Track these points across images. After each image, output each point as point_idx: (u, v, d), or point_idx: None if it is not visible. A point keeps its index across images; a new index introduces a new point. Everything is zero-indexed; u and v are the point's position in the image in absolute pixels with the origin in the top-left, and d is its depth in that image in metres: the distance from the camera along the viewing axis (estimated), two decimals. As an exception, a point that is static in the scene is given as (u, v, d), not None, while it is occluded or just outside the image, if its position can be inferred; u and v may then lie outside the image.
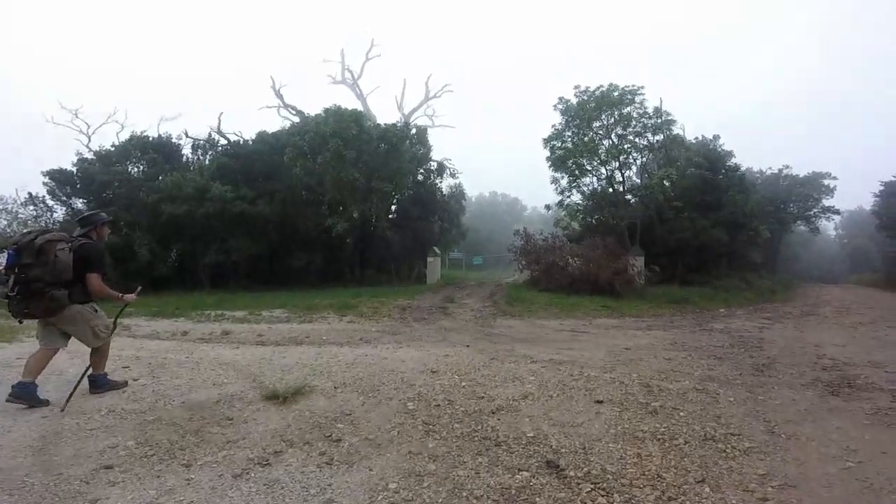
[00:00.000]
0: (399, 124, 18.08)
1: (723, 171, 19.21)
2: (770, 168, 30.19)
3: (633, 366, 5.67)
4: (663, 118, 18.65)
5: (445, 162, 22.34)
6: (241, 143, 20.23)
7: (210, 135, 22.13)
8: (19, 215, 20.79)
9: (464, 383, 4.69)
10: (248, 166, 18.96)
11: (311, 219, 17.36)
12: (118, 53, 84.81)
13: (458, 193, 24.10)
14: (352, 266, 20.21)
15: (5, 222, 24.64)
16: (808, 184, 30.73)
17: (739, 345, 7.57)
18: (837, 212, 30.78)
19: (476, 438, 3.44)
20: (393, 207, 22.12)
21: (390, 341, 7.66)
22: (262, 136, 19.86)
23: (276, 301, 13.59)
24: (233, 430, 3.59)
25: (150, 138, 20.56)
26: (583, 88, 19.06)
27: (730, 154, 20.10)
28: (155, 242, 17.40)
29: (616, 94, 18.54)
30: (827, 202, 30.64)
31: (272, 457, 3.17)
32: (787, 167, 29.96)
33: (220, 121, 24.30)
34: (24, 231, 3.88)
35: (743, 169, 19.90)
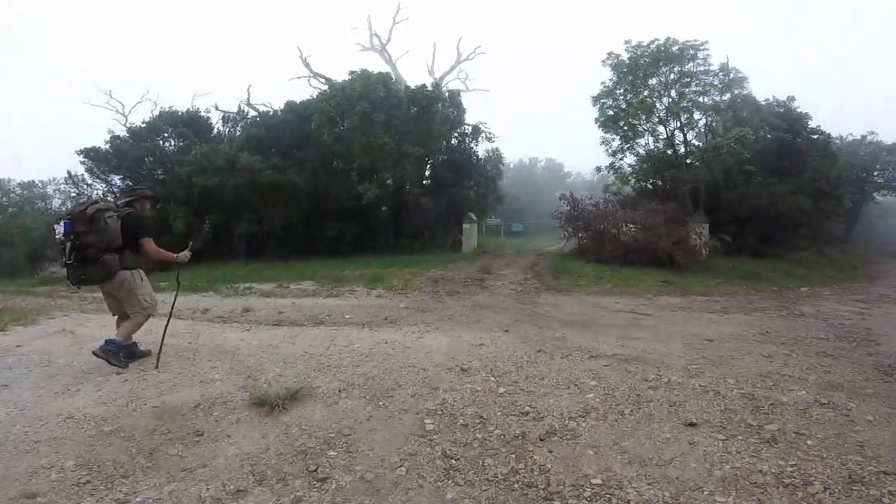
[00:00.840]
0: (429, 86, 16.57)
1: (803, 133, 16.43)
2: (851, 134, 26.10)
3: (725, 366, 4.38)
4: (732, 75, 16.04)
5: (481, 125, 20.72)
6: (270, 113, 19.50)
7: (239, 107, 21.55)
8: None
9: (501, 389, 3.64)
10: (278, 136, 18.25)
11: (343, 187, 16.51)
12: (149, 35, 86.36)
13: (495, 157, 22.42)
14: (386, 234, 19.40)
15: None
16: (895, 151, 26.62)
17: (846, 337, 6.01)
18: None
19: (517, 486, 2.40)
20: (427, 173, 20.93)
21: (417, 322, 6.72)
22: (290, 106, 18.99)
23: (306, 272, 13.05)
24: (195, 453, 2.75)
25: (180, 113, 20.25)
26: (635, 43, 16.66)
27: (807, 116, 17.14)
28: (191, 215, 17.28)
29: (675, 48, 16.06)
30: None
31: (230, 499, 2.29)
32: (873, 133, 25.81)
33: (249, 93, 23.72)
34: (76, 204, 4.12)
35: (826, 132, 16.91)
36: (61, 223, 3.81)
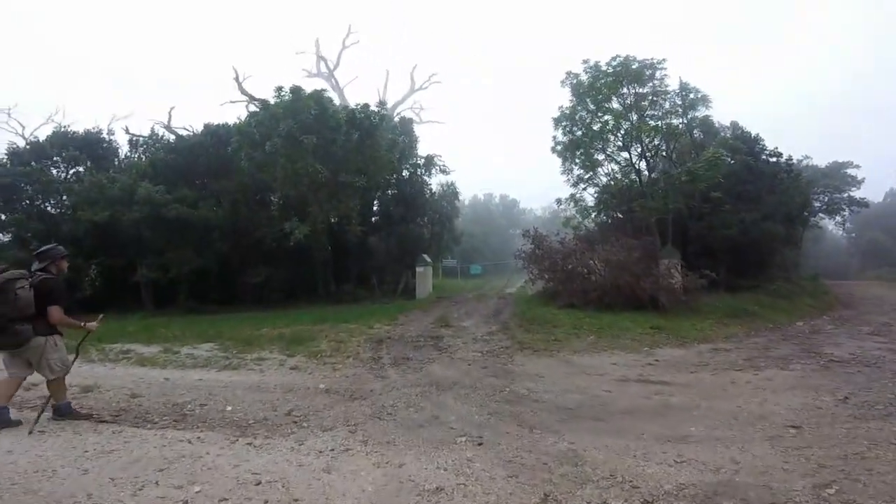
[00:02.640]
0: (374, 107, 14.72)
1: (761, 156, 16.12)
2: (789, 158, 27.28)
3: (870, 476, 2.33)
4: (692, 95, 15.58)
5: (435, 157, 19.09)
6: (186, 137, 16.77)
7: (152, 130, 18.61)
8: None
9: None
10: (190, 163, 15.46)
11: (268, 224, 13.84)
12: (75, 51, 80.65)
13: (450, 193, 20.77)
14: (325, 280, 16.72)
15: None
16: (831, 175, 27.96)
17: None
18: (866, 204, 27.89)
19: None
20: (375, 208, 18.74)
21: (337, 423, 4.30)
22: (209, 129, 16.37)
23: (210, 330, 10.11)
24: None
25: (73, 134, 17.01)
26: (592, 63, 15.95)
27: (760, 138, 16.99)
28: (78, 256, 13.82)
29: (634, 66, 15.45)
30: (853, 193, 27.86)
31: None
32: (808, 157, 27.01)
33: (170, 115, 20.82)
34: None
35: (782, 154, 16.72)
36: None
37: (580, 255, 11.52)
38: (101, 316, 4.46)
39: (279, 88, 13.94)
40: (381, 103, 14.75)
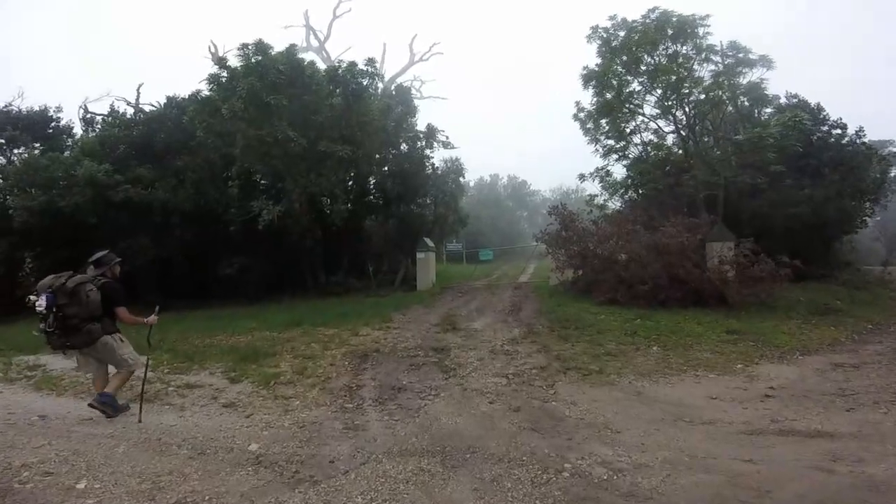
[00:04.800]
0: (362, 65, 12.18)
1: (824, 127, 13.44)
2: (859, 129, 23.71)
3: None
4: (742, 56, 12.88)
5: (437, 129, 16.54)
6: (146, 111, 14.32)
7: (112, 107, 16.11)
8: None
9: None
10: (148, 139, 13.05)
11: (239, 206, 11.45)
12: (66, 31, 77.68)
13: (455, 169, 18.20)
14: (313, 270, 14.43)
15: None
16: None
17: None
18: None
19: None
20: (371, 185, 16.31)
21: None
22: (172, 102, 13.89)
23: (154, 336, 7.87)
24: None
25: (15, 112, 14.62)
26: (620, 19, 13.28)
27: (822, 108, 14.25)
28: (10, 249, 11.63)
29: (675, 19, 12.79)
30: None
31: None
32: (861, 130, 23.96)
33: (138, 93, 18.23)
34: (54, 276, 4.14)
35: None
36: (42, 296, 3.95)
37: (625, 237, 9.07)
38: (157, 308, 4.57)
39: (244, 46, 11.40)
40: (371, 60, 12.22)
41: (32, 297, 4.03)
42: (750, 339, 6.81)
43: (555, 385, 4.84)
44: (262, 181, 12.36)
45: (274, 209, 10.04)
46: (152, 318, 4.44)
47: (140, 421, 4.16)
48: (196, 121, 10.78)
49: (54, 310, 3.95)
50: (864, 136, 12.66)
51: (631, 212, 10.17)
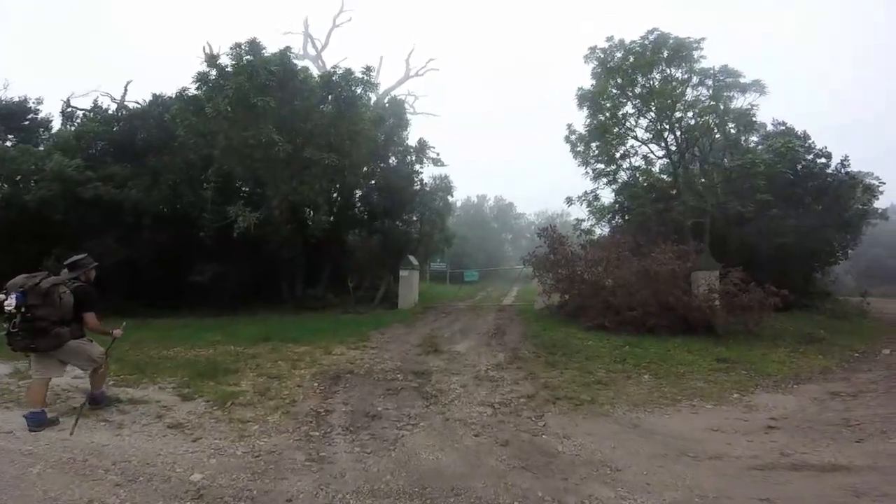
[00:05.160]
0: (358, 73, 11.96)
1: (809, 156, 13.72)
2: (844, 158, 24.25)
3: None
4: (733, 79, 13.16)
5: (427, 145, 16.37)
6: (129, 108, 13.76)
7: (95, 102, 15.48)
8: None
9: None
10: (128, 137, 12.48)
11: (217, 212, 10.87)
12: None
13: (444, 186, 17.98)
14: (291, 282, 13.82)
15: None
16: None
17: None
18: (886, 217, 25.85)
19: None
20: (357, 198, 15.91)
21: None
22: (157, 99, 13.40)
23: (105, 345, 7.18)
24: None
25: (-7, 103, 13.94)
26: (617, 40, 13.51)
27: (807, 136, 14.60)
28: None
29: (671, 42, 13.05)
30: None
31: None
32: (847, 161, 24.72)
33: (125, 90, 17.64)
34: (27, 275, 3.98)
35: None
36: (13, 295, 3.78)
37: (614, 262, 8.84)
38: (124, 323, 4.52)
39: (236, 45, 11.07)
40: (368, 69, 12.01)
41: (1, 296, 3.86)
42: (741, 367, 6.57)
43: (544, 416, 4.43)
44: (243, 187, 11.81)
45: (250, 216, 9.50)
46: (118, 331, 4.39)
47: (71, 434, 3.82)
48: (178, 119, 10.27)
49: (22, 310, 3.80)
50: (848, 165, 12.92)
51: (621, 237, 9.97)
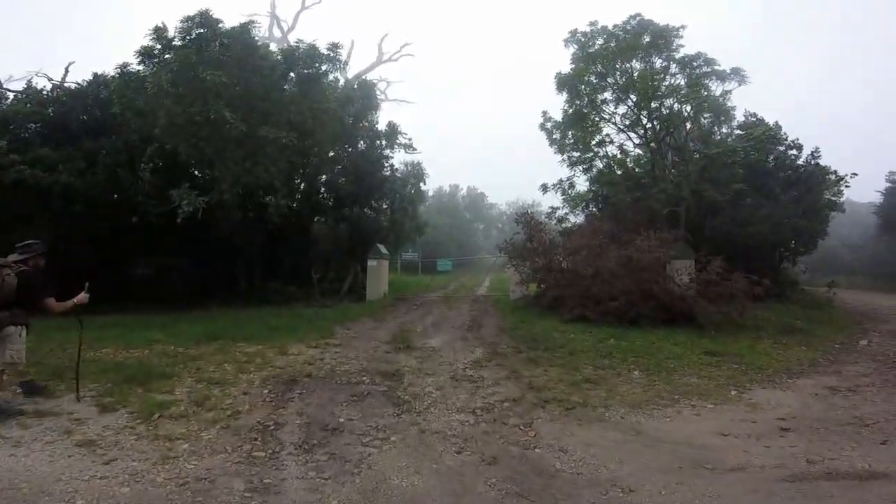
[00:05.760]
0: (325, 49, 10.92)
1: (782, 147, 13.76)
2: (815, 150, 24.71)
3: None
4: (710, 68, 12.99)
5: (398, 129, 15.50)
6: (65, 89, 12.12)
7: (29, 83, 13.61)
8: None
9: None
10: (62, 119, 11.02)
11: (159, 197, 9.64)
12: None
13: (416, 173, 17.17)
14: (248, 275, 12.73)
15: None
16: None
17: None
18: (843, 209, 27.00)
19: None
20: (320, 185, 14.88)
21: None
22: (98, 79, 11.87)
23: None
24: None
25: None
26: (599, 26, 13.05)
27: (778, 126, 14.67)
28: None
29: (651, 28, 12.72)
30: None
31: None
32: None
33: (66, 71, 15.60)
34: None
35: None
36: None
37: (595, 250, 8.38)
38: (87, 285, 4.36)
39: (187, 18, 9.78)
40: (334, 45, 10.99)
41: None
42: (730, 360, 6.26)
43: (534, 423, 3.85)
44: (193, 170, 10.60)
45: (196, 199, 8.41)
46: (82, 296, 4.30)
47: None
48: (114, 96, 9.00)
49: None
50: (819, 156, 13.03)
51: (599, 224, 9.56)
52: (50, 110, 11.91)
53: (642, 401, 4.52)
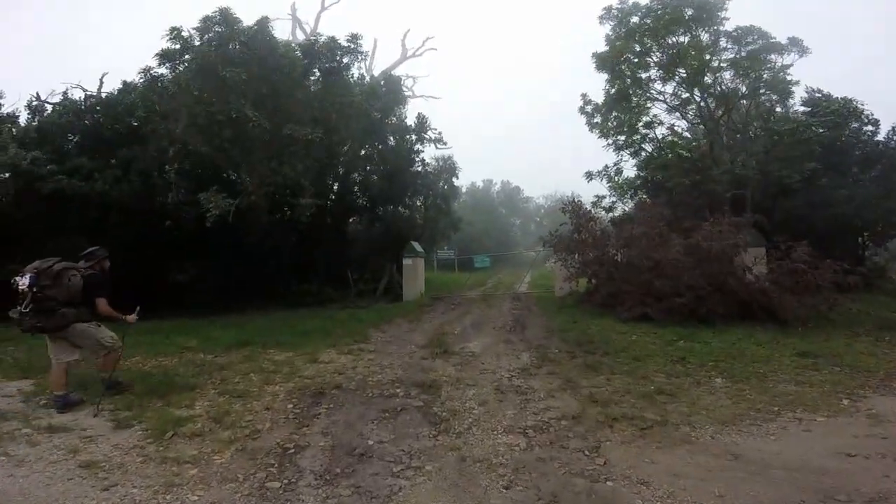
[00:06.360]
0: (344, 42, 10.53)
1: (855, 123, 12.07)
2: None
3: None
4: (765, 41, 11.57)
5: (428, 123, 14.98)
6: (97, 98, 12.48)
7: (65, 94, 14.16)
8: None
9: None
10: (96, 127, 11.34)
11: (190, 202, 9.60)
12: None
13: (448, 168, 16.63)
14: (283, 277, 12.62)
15: None
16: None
17: None
18: None
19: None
20: (354, 185, 14.62)
21: None
22: (128, 87, 12.13)
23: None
24: None
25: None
26: (631, 3, 11.95)
27: (853, 101, 12.84)
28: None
29: (691, 2, 11.50)
30: None
31: None
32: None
33: (101, 82, 16.26)
34: (42, 260, 4.18)
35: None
36: (26, 276, 3.98)
37: (656, 240, 7.40)
38: (137, 308, 4.54)
39: (206, 18, 9.63)
40: (354, 37, 10.59)
41: (17, 278, 4.04)
42: (829, 363, 5.25)
43: (601, 447, 3.14)
44: (223, 172, 10.51)
45: (223, 202, 8.22)
46: (132, 316, 4.47)
47: (95, 416, 3.90)
48: (138, 100, 9.01)
49: (34, 290, 3.96)
50: (897, 129, 11.31)
51: (659, 210, 8.55)
52: (85, 121, 12.27)
53: (734, 415, 3.70)
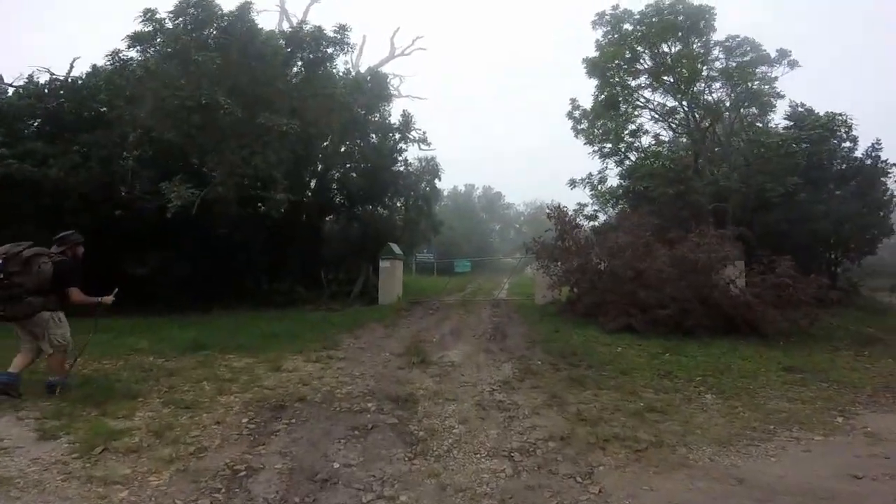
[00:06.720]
0: (331, 31, 10.11)
1: (835, 140, 12.32)
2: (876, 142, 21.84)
3: None
4: (756, 53, 11.75)
5: (412, 121, 14.62)
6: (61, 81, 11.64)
7: (31, 77, 13.15)
8: None
9: None
10: (57, 111, 10.53)
11: (152, 192, 8.93)
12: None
13: (431, 169, 16.25)
14: (254, 275, 11.98)
15: None
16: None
17: None
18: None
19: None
20: (332, 183, 14.10)
21: None
22: (96, 71, 11.32)
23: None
24: None
25: None
26: (622, 10, 11.97)
27: (839, 115, 13.07)
28: None
29: (681, 7, 11.61)
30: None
31: None
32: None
33: (71, 66, 15.21)
34: (13, 244, 4.03)
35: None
36: None
37: (643, 249, 7.23)
38: (115, 290, 4.39)
39: (182, 1, 9.07)
40: (341, 27, 10.18)
41: None
42: (815, 378, 5.16)
43: (594, 473, 2.82)
44: (191, 159, 9.87)
45: (186, 193, 7.63)
46: (108, 297, 4.29)
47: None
48: (103, 83, 8.35)
49: (1, 276, 3.83)
50: (880, 148, 11.56)
51: (645, 220, 8.44)
52: (47, 105, 11.45)
53: (730, 435, 3.46)
